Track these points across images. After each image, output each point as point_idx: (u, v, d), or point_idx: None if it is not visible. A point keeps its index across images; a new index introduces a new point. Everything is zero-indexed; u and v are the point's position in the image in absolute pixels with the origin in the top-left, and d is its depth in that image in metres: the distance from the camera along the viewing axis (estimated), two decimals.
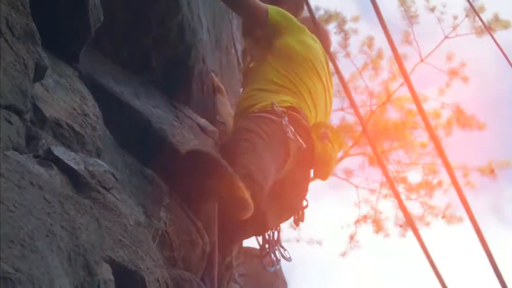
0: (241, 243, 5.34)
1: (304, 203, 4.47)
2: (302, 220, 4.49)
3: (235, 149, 3.88)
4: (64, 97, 2.72)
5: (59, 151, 2.30)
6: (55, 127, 2.50)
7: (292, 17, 4.80)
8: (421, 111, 5.15)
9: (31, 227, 1.69)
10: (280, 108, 4.20)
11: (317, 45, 4.82)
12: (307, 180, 4.49)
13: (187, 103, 4.17)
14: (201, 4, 4.51)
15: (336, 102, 19.88)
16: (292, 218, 4.49)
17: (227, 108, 4.95)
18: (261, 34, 4.74)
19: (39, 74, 2.35)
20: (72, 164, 2.30)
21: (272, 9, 4.68)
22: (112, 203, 2.48)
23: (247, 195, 3.45)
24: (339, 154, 4.55)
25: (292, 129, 4.09)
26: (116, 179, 2.53)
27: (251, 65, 5.03)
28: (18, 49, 2.18)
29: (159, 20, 3.69)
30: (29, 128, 2.31)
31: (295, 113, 4.26)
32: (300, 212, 4.46)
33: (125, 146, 3.41)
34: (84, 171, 2.36)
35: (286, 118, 4.14)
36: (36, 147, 2.26)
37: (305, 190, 4.51)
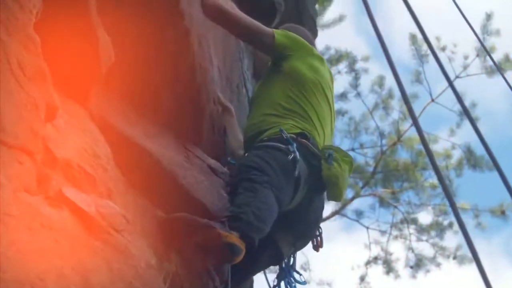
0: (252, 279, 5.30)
1: (319, 230, 4.46)
2: (321, 246, 4.46)
3: (235, 189, 3.88)
4: (75, 137, 2.71)
5: (70, 192, 2.28)
6: (66, 168, 2.49)
7: (300, 39, 4.79)
8: (429, 153, 5.13)
9: (42, 269, 1.66)
10: (288, 135, 4.18)
11: (325, 68, 4.81)
12: (321, 205, 4.48)
13: (198, 144, 4.15)
14: (211, 43, 4.51)
15: (346, 143, 19.90)
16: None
17: (236, 132, 4.93)
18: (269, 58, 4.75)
19: (50, 114, 2.34)
20: (83, 206, 2.28)
21: (279, 33, 4.68)
22: (123, 245, 2.45)
23: (233, 238, 3.44)
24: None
25: (297, 156, 4.07)
26: (127, 221, 2.51)
27: (257, 88, 5.03)
28: (29, 90, 2.17)
29: (170, 60, 3.69)
30: (40, 169, 2.29)
31: (304, 140, 4.25)
32: (318, 238, 4.44)
33: (136, 188, 3.39)
34: (95, 213, 2.34)
35: (294, 145, 4.12)
36: (47, 188, 2.24)
37: (319, 217, 4.49)
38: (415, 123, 5.64)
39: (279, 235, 4.07)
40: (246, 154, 4.41)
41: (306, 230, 4.38)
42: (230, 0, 4.70)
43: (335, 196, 4.40)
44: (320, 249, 4.49)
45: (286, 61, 4.61)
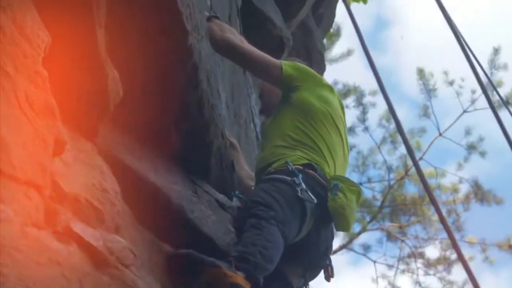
0: None
1: (329, 260, 4.45)
2: (332, 276, 4.46)
3: (241, 227, 3.88)
4: (83, 172, 2.72)
5: (78, 227, 2.28)
6: (74, 203, 2.49)
7: (308, 69, 4.81)
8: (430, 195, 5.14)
9: None
10: (294, 167, 4.18)
11: (334, 98, 4.82)
12: (330, 237, 4.46)
13: (205, 179, 4.16)
14: (220, 79, 4.53)
15: (354, 177, 19.83)
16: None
17: (242, 165, 4.94)
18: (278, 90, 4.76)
19: (58, 149, 2.34)
20: (91, 240, 2.28)
21: (287, 64, 4.69)
22: (131, 280, 2.45)
23: (238, 279, 3.44)
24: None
25: (304, 187, 4.07)
26: (135, 256, 2.51)
27: (268, 121, 5.04)
28: (37, 125, 2.18)
29: (179, 95, 3.70)
30: (48, 203, 2.29)
31: (311, 171, 4.24)
32: (329, 267, 4.42)
33: (144, 222, 3.39)
34: (102, 247, 2.34)
35: (300, 177, 4.12)
36: (55, 223, 2.24)
37: (329, 247, 4.47)
38: (415, 164, 5.69)
39: (288, 268, 4.08)
40: (253, 188, 4.41)
41: (316, 261, 4.38)
42: (238, 33, 4.74)
43: (343, 226, 4.39)
44: (332, 279, 4.48)
45: (295, 92, 4.63)
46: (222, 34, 4.57)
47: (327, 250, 4.47)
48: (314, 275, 4.45)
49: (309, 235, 4.20)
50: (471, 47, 4.66)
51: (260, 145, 5.34)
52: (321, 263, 4.42)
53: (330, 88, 4.88)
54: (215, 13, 4.76)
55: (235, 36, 4.71)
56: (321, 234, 4.32)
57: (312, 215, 4.11)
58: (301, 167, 4.23)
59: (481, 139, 21.42)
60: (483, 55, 19.16)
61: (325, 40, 13.05)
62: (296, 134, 4.48)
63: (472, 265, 21.00)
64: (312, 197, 4.08)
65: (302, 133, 4.48)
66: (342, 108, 4.96)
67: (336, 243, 18.78)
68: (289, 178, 4.13)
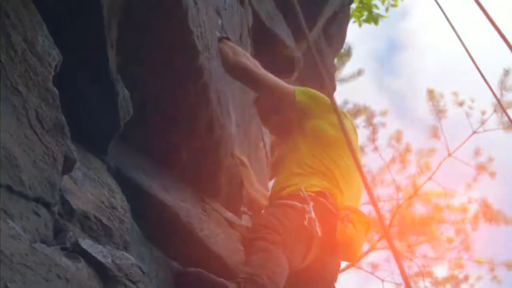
0: None
1: None
2: None
3: (249, 249, 3.88)
4: (93, 189, 2.73)
5: (87, 244, 2.29)
6: (83, 220, 2.50)
7: (320, 95, 4.81)
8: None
9: None
10: (306, 193, 4.18)
11: (348, 123, 4.81)
12: (336, 265, 4.46)
13: (215, 197, 4.16)
14: (230, 98, 4.54)
15: (363, 196, 19.77)
16: None
17: (253, 182, 4.94)
18: (290, 116, 4.76)
19: (67, 166, 2.36)
20: (99, 257, 2.29)
21: (300, 91, 4.70)
22: None
23: None
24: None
25: (312, 216, 4.07)
26: (143, 273, 2.51)
27: (280, 152, 5.04)
28: (47, 142, 2.20)
29: (189, 114, 3.71)
30: (57, 220, 2.31)
31: (322, 199, 4.24)
32: None
33: (153, 239, 3.40)
34: (111, 264, 2.34)
35: (311, 204, 4.12)
36: (64, 240, 2.25)
37: (334, 276, 4.46)
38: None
39: None
40: (263, 211, 4.42)
41: None
42: (251, 57, 4.75)
43: (349, 257, 4.41)
44: None
45: (309, 120, 4.64)
46: (236, 58, 4.58)
47: (333, 280, 4.47)
48: None
49: (315, 263, 4.20)
50: (481, 69, 4.65)
51: (276, 168, 5.35)
52: None
53: (342, 113, 4.88)
54: (226, 33, 4.77)
55: (250, 61, 4.72)
56: (327, 263, 4.32)
57: (319, 243, 4.11)
58: (313, 194, 4.23)
59: (490, 160, 21.40)
60: (493, 76, 19.16)
61: (336, 60, 13.07)
62: (312, 161, 4.49)
63: (480, 284, 20.98)
64: (318, 229, 4.08)
65: (317, 160, 4.49)
66: (355, 131, 4.97)
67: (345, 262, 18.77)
68: (299, 205, 4.13)
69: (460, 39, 4.75)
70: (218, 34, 4.53)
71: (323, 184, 4.36)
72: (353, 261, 4.64)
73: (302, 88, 4.81)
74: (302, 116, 4.67)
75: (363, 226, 4.41)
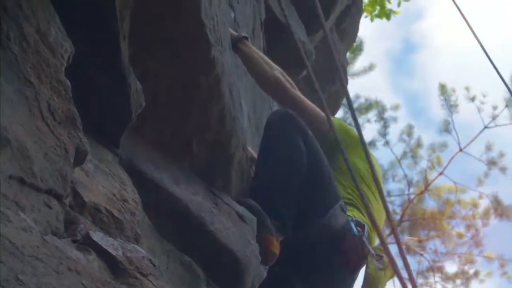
0: None
1: None
2: None
3: None
4: (104, 182, 2.73)
5: (98, 236, 2.29)
6: (94, 212, 2.50)
7: (352, 129, 4.88)
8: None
9: None
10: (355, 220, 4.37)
11: (373, 157, 4.92)
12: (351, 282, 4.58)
13: (226, 190, 4.16)
14: (242, 92, 4.54)
15: None
16: None
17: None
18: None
19: (79, 159, 2.35)
20: (110, 250, 2.28)
21: (335, 120, 4.77)
22: None
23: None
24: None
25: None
26: (154, 265, 2.50)
27: None
28: (59, 134, 2.19)
29: (201, 107, 3.71)
30: (68, 212, 2.30)
31: (360, 229, 4.39)
32: None
33: (163, 232, 3.40)
34: (122, 257, 2.34)
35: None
36: (75, 232, 2.25)
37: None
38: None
39: None
40: None
41: None
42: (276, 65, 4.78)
43: None
44: None
45: (340, 153, 4.72)
46: (274, 74, 4.62)
47: None
48: None
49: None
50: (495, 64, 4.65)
51: None
52: None
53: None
54: (238, 26, 4.77)
55: (287, 80, 4.76)
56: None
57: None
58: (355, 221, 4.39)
59: (501, 155, 21.39)
60: (506, 71, 19.11)
61: (348, 54, 13.06)
62: (346, 193, 4.60)
63: (490, 280, 20.97)
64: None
65: (352, 192, 4.59)
66: (376, 161, 5.12)
67: None
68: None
69: (473, 31, 4.73)
70: (234, 33, 4.53)
71: (360, 217, 4.49)
72: None
73: (335, 119, 4.90)
74: (333, 147, 4.71)
75: (390, 274, 4.50)
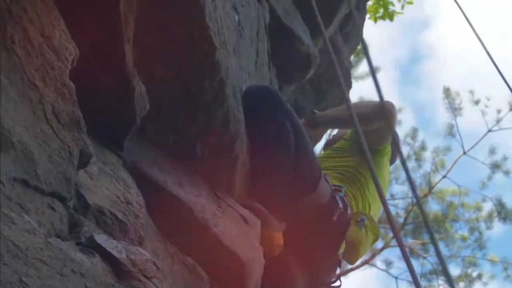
0: None
1: (338, 283, 4.56)
2: None
3: None
4: (108, 184, 2.73)
5: (102, 239, 2.29)
6: (98, 215, 2.50)
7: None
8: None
9: None
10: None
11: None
12: (335, 256, 4.55)
13: (230, 193, 4.16)
14: None
15: None
16: None
17: None
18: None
19: (83, 161, 2.36)
20: (114, 252, 2.29)
21: None
22: None
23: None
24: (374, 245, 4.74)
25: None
26: (158, 268, 2.51)
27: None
28: (63, 136, 2.20)
29: (205, 110, 3.71)
30: (72, 215, 2.31)
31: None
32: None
33: (167, 235, 3.40)
34: (125, 259, 2.34)
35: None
36: (79, 234, 2.25)
37: (332, 264, 4.57)
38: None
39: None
40: None
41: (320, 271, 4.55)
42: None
43: (350, 258, 4.50)
44: None
45: (383, 158, 4.83)
46: (346, 109, 4.74)
47: (330, 265, 4.63)
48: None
49: (316, 243, 4.37)
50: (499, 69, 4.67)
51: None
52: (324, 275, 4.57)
53: None
54: (243, 31, 4.77)
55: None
56: (326, 247, 4.45)
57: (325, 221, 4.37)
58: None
59: (505, 158, 21.40)
60: (510, 75, 19.11)
61: (352, 57, 13.06)
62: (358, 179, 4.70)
63: (493, 283, 20.95)
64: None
65: (370, 197, 4.68)
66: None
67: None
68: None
69: (479, 38, 4.73)
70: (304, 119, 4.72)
71: (350, 190, 4.53)
72: (352, 264, 4.75)
73: None
74: (380, 152, 4.94)
75: (373, 236, 4.50)
